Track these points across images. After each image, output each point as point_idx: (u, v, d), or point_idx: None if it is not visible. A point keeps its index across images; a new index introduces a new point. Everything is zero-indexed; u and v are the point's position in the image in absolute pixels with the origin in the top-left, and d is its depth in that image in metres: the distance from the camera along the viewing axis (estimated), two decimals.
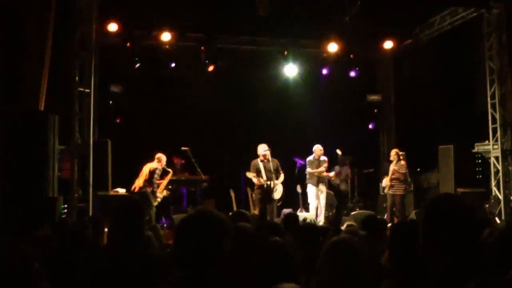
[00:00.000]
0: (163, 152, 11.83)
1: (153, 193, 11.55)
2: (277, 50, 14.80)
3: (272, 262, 2.90)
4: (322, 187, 12.46)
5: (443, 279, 2.34)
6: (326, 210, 12.72)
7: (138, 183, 11.48)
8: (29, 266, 2.47)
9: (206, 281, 2.47)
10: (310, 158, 12.60)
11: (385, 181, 12.63)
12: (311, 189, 12.46)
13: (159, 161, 11.65)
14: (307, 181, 12.63)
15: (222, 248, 2.54)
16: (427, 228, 2.43)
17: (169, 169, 11.92)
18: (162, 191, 11.78)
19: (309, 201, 12.58)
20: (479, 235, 2.42)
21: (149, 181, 11.49)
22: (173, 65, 14.09)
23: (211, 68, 14.33)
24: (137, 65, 13.67)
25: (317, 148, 12.53)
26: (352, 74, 15.61)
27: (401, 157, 12.54)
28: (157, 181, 11.68)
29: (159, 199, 11.72)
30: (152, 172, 11.51)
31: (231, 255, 2.58)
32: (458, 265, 2.30)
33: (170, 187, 12.03)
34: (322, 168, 12.45)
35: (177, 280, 2.52)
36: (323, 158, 12.58)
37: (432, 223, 2.43)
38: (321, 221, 12.00)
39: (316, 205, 12.32)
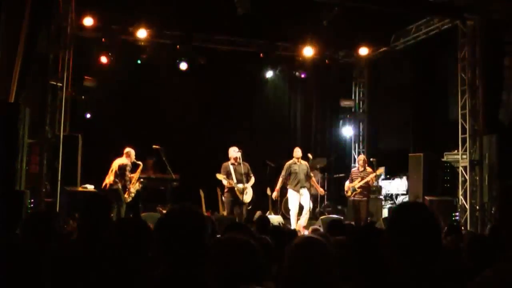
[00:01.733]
0: (132, 147, 11.74)
1: (125, 188, 11.43)
2: (253, 51, 14.78)
3: (240, 262, 2.88)
4: (303, 191, 12.12)
5: (401, 283, 2.40)
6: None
7: (109, 180, 11.32)
8: None
9: (185, 279, 2.47)
10: (290, 162, 12.31)
11: (348, 185, 12.39)
12: (292, 194, 12.19)
13: (128, 156, 11.53)
14: (288, 186, 12.30)
15: (202, 244, 2.54)
16: (389, 234, 2.51)
17: (139, 162, 11.82)
18: (134, 184, 11.68)
19: (289, 206, 12.28)
20: (439, 242, 2.48)
21: (121, 176, 11.35)
22: (147, 62, 14.00)
23: (185, 67, 14.25)
24: (110, 60, 13.56)
25: (297, 151, 12.34)
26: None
27: (366, 164, 12.48)
28: (129, 176, 11.57)
29: (132, 194, 11.63)
30: (122, 168, 11.37)
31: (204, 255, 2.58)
32: (415, 270, 2.37)
33: (142, 179, 11.94)
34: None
35: (157, 279, 2.51)
36: (304, 161, 12.32)
37: (393, 229, 2.50)
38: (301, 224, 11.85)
39: (296, 210, 12.04)
